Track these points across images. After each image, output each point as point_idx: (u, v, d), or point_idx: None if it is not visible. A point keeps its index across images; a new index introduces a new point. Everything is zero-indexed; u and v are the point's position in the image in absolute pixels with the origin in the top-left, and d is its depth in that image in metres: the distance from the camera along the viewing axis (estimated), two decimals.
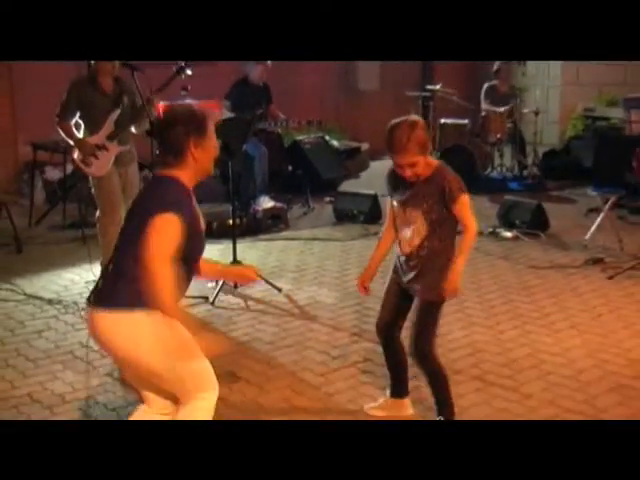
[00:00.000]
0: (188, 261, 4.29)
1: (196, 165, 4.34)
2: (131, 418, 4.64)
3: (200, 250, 4.45)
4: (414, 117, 5.13)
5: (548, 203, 10.98)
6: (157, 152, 4.56)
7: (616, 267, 8.69)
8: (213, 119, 4.50)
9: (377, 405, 5.66)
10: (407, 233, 5.16)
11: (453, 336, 6.90)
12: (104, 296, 4.27)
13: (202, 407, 4.44)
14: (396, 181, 5.18)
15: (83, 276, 8.48)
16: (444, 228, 5.10)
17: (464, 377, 6.14)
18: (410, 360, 5.39)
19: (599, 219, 9.73)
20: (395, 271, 5.37)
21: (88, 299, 4.41)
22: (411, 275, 5.20)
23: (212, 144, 4.39)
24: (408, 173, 4.98)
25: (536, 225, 10.17)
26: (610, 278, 8.44)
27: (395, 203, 5.24)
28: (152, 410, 4.59)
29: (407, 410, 5.59)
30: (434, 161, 5.17)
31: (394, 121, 5.02)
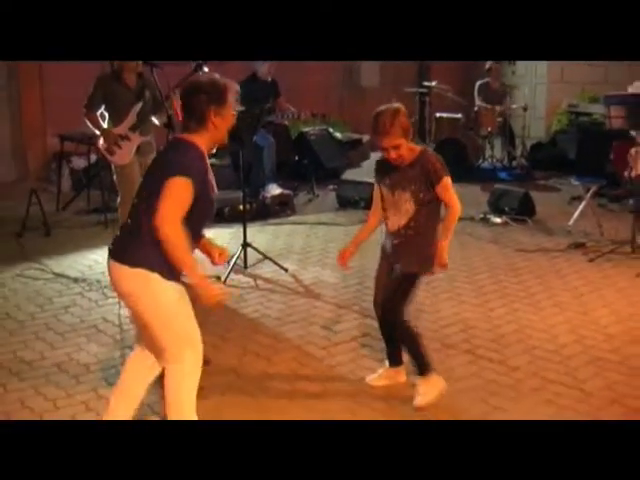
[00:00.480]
0: (195, 223, 4.36)
1: (215, 132, 4.43)
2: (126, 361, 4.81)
3: (208, 214, 4.55)
4: (397, 105, 5.21)
5: (535, 191, 10.99)
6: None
7: (596, 251, 8.71)
8: (234, 91, 4.53)
9: (377, 376, 5.70)
10: (395, 214, 5.25)
11: (445, 313, 6.93)
12: (118, 249, 4.45)
13: (184, 370, 4.53)
14: (384, 168, 5.29)
15: (105, 257, 8.48)
16: (430, 208, 5.19)
17: (456, 351, 6.17)
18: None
19: (581, 206, 9.76)
20: (383, 250, 5.48)
21: (109, 248, 4.53)
22: (397, 251, 5.29)
23: (231, 113, 4.46)
24: (393, 155, 5.08)
25: (524, 212, 10.19)
26: (591, 261, 8.46)
27: (384, 188, 5.30)
28: (139, 359, 4.73)
29: (402, 377, 5.65)
30: (417, 146, 5.26)
31: (379, 108, 5.14)
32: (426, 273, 5.36)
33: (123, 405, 4.71)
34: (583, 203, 9.80)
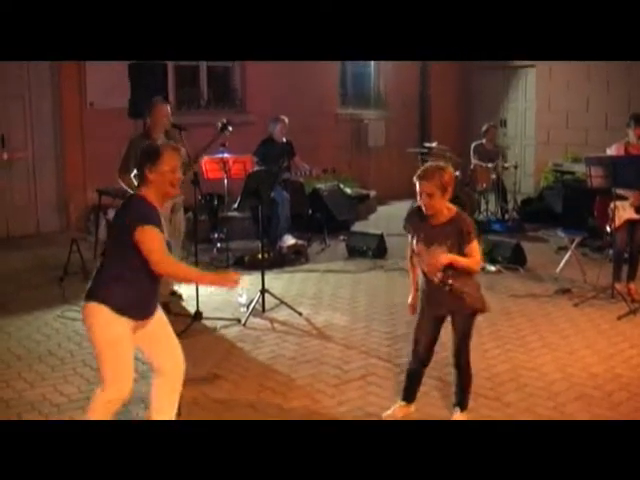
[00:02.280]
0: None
1: (155, 186, 4.67)
2: None
3: None
4: (447, 165, 5.33)
5: (525, 242, 10.95)
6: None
7: (581, 296, 8.67)
8: (170, 153, 4.73)
9: (392, 412, 5.65)
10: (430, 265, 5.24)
11: (445, 354, 6.87)
12: (88, 291, 4.67)
13: (101, 397, 4.70)
14: (418, 221, 5.30)
15: None
16: None
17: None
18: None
19: (567, 256, 9.76)
20: (425, 301, 5.42)
21: None
22: (449, 295, 5.23)
23: (165, 170, 4.66)
24: (425, 201, 5.13)
25: (516, 260, 10.16)
26: (576, 305, 8.41)
27: (418, 241, 5.29)
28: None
29: (411, 410, 5.66)
30: (453, 207, 5.28)
31: (434, 162, 5.38)
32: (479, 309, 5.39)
33: None
34: (568, 253, 9.80)
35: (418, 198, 5.19)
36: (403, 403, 5.66)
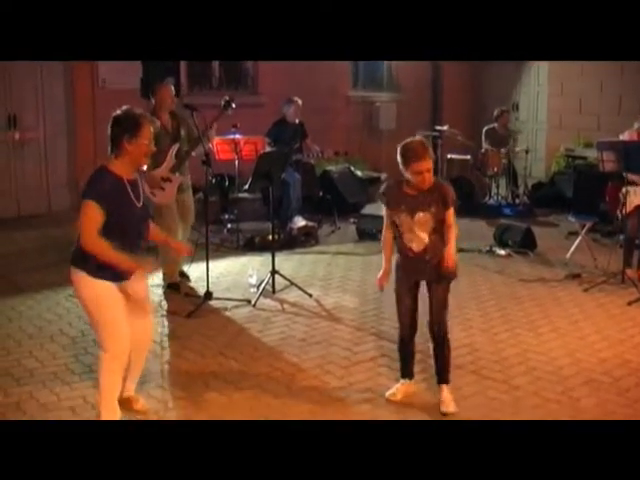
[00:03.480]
0: (118, 233, 4.75)
1: (131, 157, 4.78)
2: None
3: (127, 224, 4.85)
4: (418, 137, 5.39)
5: (535, 227, 10.93)
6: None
7: (590, 281, 8.67)
8: (148, 123, 4.86)
9: (394, 391, 5.72)
10: (416, 235, 5.34)
11: (455, 337, 6.85)
12: (71, 256, 4.91)
13: (105, 359, 4.90)
14: (398, 194, 5.37)
15: (148, 280, 8.52)
16: (440, 225, 5.33)
17: (463, 371, 6.14)
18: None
19: (577, 241, 9.75)
20: (406, 275, 5.51)
21: None
22: (432, 266, 5.36)
23: (144, 142, 4.78)
24: (427, 177, 5.20)
25: (525, 245, 10.16)
26: (585, 290, 8.41)
27: (401, 213, 5.36)
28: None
29: (412, 388, 5.75)
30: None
31: (406, 140, 5.25)
32: (452, 278, 5.48)
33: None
34: (579, 238, 9.78)
35: (412, 177, 5.20)
36: (404, 381, 5.73)
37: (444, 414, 5.42)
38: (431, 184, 5.25)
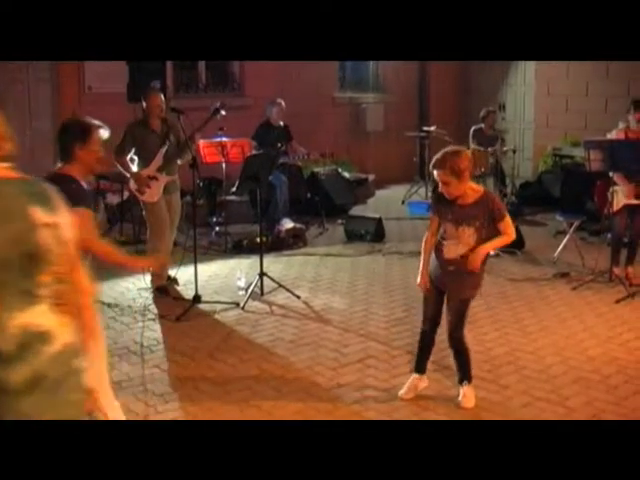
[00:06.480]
0: None
1: (82, 163, 4.81)
2: None
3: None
4: (461, 148, 5.44)
5: (523, 226, 10.96)
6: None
7: (579, 280, 8.70)
8: (98, 130, 4.90)
9: (406, 389, 5.76)
10: (456, 244, 5.34)
11: (444, 337, 6.90)
12: None
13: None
14: (445, 201, 5.36)
15: (136, 284, 8.51)
16: (485, 240, 5.31)
17: (451, 372, 6.11)
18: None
19: (565, 240, 9.77)
20: (433, 276, 5.54)
21: None
22: (452, 277, 5.39)
23: (96, 148, 4.82)
24: (443, 189, 5.25)
25: (514, 244, 10.14)
26: (574, 289, 8.45)
27: (446, 221, 5.38)
28: None
29: (424, 383, 5.81)
30: (480, 187, 5.42)
31: (450, 147, 5.36)
32: (471, 296, 5.51)
33: None
34: (567, 237, 9.81)
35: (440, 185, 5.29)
36: (416, 375, 5.77)
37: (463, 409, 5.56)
38: (476, 197, 5.27)
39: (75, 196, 4.64)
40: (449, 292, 5.47)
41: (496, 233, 5.32)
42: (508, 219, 5.33)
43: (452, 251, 5.34)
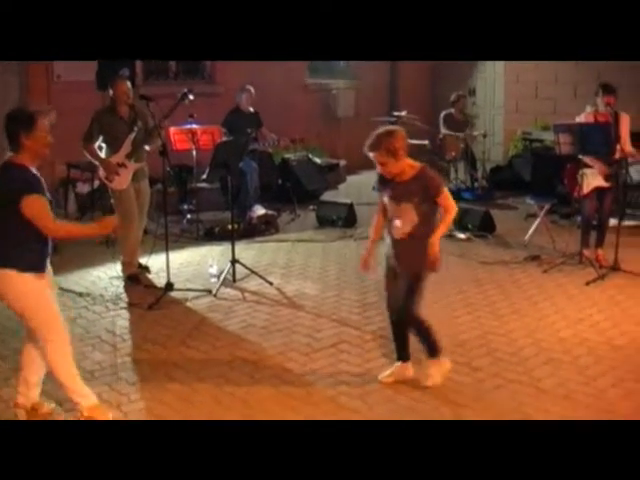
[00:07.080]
0: None
1: (31, 151, 4.82)
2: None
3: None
4: (393, 128, 5.44)
5: (494, 210, 11.02)
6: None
7: (549, 262, 8.74)
8: (44, 117, 4.94)
9: (389, 373, 5.77)
10: (399, 222, 5.36)
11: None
12: None
13: (50, 348, 4.93)
14: (386, 180, 5.40)
15: (107, 273, 8.48)
16: (428, 216, 5.33)
17: (424, 356, 6.16)
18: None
19: (536, 223, 9.85)
20: (387, 260, 5.58)
21: None
22: (401, 256, 5.42)
23: (41, 134, 4.84)
24: (380, 169, 5.29)
25: (485, 228, 10.23)
26: (545, 272, 8.50)
27: (387, 199, 5.41)
28: (31, 344, 5.12)
29: (410, 372, 5.77)
30: (417, 164, 5.38)
31: (382, 128, 5.31)
32: (429, 271, 5.47)
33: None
34: (537, 220, 9.88)
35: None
36: (399, 363, 5.77)
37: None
38: (413, 173, 5.29)
39: (27, 184, 4.71)
40: (400, 269, 5.47)
41: (436, 208, 5.36)
42: (446, 193, 5.34)
43: (399, 230, 5.37)
